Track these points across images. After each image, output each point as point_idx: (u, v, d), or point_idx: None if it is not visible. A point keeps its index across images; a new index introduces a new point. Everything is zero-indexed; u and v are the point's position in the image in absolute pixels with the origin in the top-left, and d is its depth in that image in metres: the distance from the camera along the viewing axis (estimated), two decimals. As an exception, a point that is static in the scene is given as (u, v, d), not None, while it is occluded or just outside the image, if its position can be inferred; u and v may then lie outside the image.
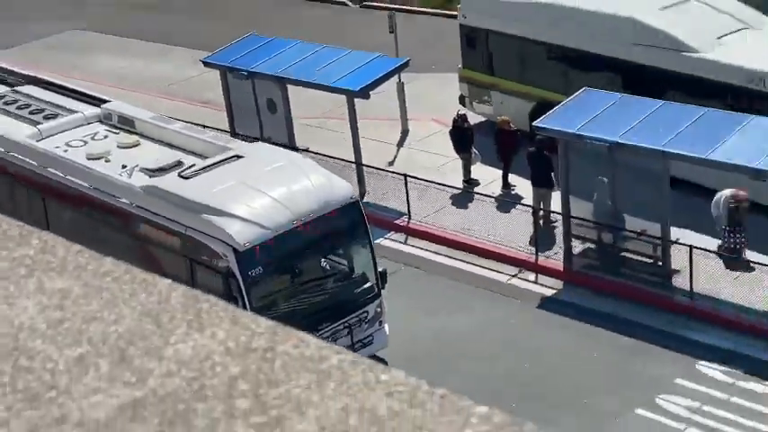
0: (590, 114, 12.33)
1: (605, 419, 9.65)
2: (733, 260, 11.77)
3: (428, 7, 21.00)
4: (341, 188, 10.43)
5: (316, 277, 10.48)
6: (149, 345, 0.86)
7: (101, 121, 12.96)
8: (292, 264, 10.20)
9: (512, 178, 13.68)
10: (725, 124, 11.90)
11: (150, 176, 10.99)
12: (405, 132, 15.75)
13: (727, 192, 11.93)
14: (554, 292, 11.82)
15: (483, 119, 15.48)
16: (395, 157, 14.93)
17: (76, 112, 13.10)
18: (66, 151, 12.13)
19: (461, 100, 15.85)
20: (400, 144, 15.47)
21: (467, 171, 13.87)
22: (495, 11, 15.21)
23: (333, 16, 21.06)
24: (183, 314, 0.90)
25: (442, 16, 19.43)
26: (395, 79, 15.08)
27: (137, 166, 11.31)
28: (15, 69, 16.03)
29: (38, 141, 12.45)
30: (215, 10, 21.61)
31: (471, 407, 0.74)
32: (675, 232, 11.91)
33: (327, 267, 10.78)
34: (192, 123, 13.93)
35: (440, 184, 13.24)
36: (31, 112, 13.35)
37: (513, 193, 13.68)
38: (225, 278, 9.59)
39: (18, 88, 14.41)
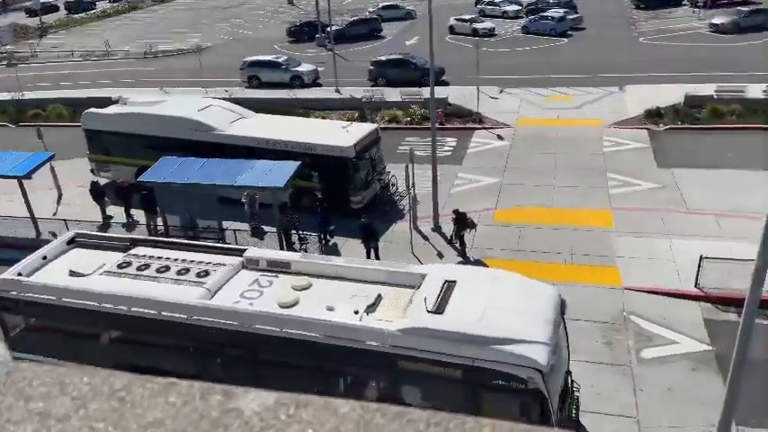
0: (170, 170, 18.91)
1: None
2: (258, 231, 20.17)
3: (64, 122, 29.73)
4: (550, 288, 11.24)
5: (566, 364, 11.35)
6: None
7: (245, 268, 12.48)
8: (559, 366, 10.60)
9: (132, 212, 21.51)
10: (241, 166, 18.62)
11: (368, 314, 10.73)
12: (60, 195, 23.57)
13: (245, 194, 19.63)
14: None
15: (108, 180, 23.55)
16: (56, 210, 22.43)
17: (222, 264, 12.36)
18: (251, 304, 11.36)
19: (93, 172, 23.82)
20: (57, 202, 23.19)
21: (103, 211, 21.67)
22: (104, 120, 23.37)
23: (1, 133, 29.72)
24: None
25: (73, 126, 27.52)
26: (48, 165, 21.41)
27: (365, 308, 10.82)
28: (108, 234, 15.72)
29: (211, 299, 11.57)
30: None
31: None
32: (225, 224, 19.63)
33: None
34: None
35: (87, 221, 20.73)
36: (179, 273, 12.27)
37: (135, 219, 21.34)
38: (531, 399, 9.54)
39: (132, 252, 13.30)
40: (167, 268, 12.52)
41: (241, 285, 12.01)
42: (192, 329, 11.38)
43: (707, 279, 15.75)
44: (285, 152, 20.36)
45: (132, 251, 13.37)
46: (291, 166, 18.93)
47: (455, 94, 31.41)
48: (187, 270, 12.38)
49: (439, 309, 10.42)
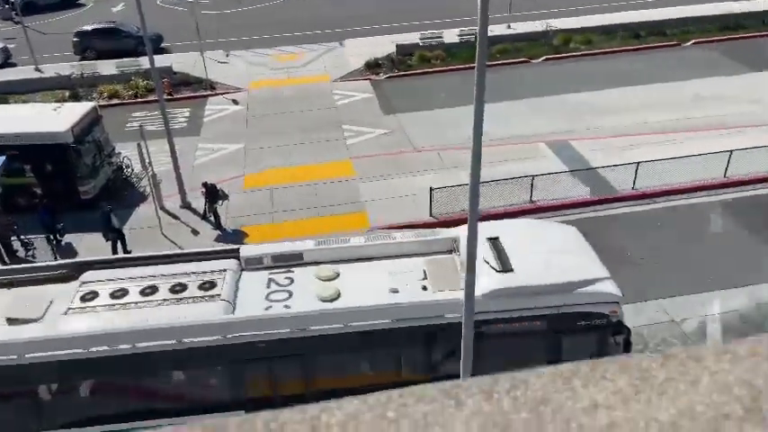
0: None
1: None
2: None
3: None
4: (571, 227, 12.22)
5: None
6: None
7: (247, 270, 11.22)
8: None
9: None
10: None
11: (432, 288, 10.44)
12: None
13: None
14: None
15: None
16: None
17: (218, 270, 10.89)
18: (287, 306, 10.28)
19: None
20: None
21: None
22: None
23: None
24: None
25: None
26: None
27: (429, 282, 10.53)
28: (31, 265, 12.47)
29: (234, 312, 10.25)
30: None
31: None
32: None
33: None
34: None
35: None
36: (174, 291, 10.50)
37: None
38: (616, 330, 10.36)
39: (85, 280, 10.79)
40: (154, 289, 10.64)
41: (258, 289, 10.81)
42: (237, 350, 10.07)
43: (438, 206, 17.65)
44: (-18, 148, 17.42)
45: (84, 278, 11.00)
46: (-6, 162, 16.29)
47: (179, 62, 29.64)
48: (183, 286, 10.65)
49: (506, 267, 10.44)
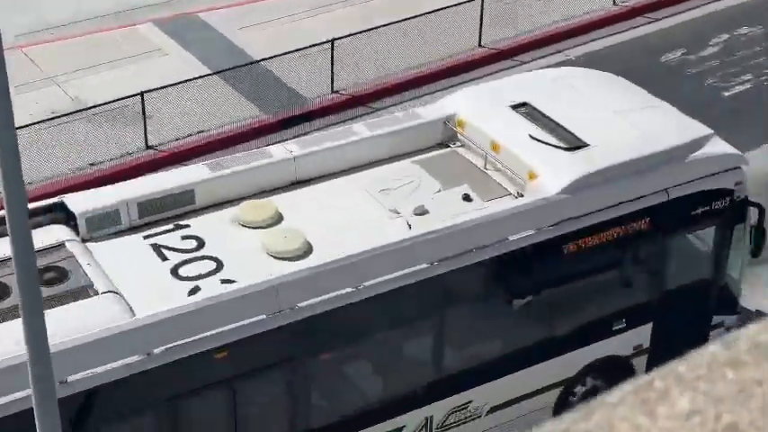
0: None
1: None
2: None
3: None
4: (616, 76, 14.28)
5: None
6: None
7: (92, 239, 11.23)
8: None
9: None
10: None
11: (477, 197, 11.12)
12: None
13: None
14: None
15: None
16: None
17: (52, 246, 10.78)
18: (228, 281, 10.70)
19: None
20: None
21: None
22: None
23: None
24: None
25: None
26: None
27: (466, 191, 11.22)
28: None
29: (134, 312, 10.38)
30: None
31: None
32: None
33: None
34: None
35: None
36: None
37: None
38: (740, 216, 11.48)
39: None
40: None
41: (144, 266, 10.74)
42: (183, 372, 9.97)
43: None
44: None
45: None
46: None
47: None
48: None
49: (575, 141, 11.01)
